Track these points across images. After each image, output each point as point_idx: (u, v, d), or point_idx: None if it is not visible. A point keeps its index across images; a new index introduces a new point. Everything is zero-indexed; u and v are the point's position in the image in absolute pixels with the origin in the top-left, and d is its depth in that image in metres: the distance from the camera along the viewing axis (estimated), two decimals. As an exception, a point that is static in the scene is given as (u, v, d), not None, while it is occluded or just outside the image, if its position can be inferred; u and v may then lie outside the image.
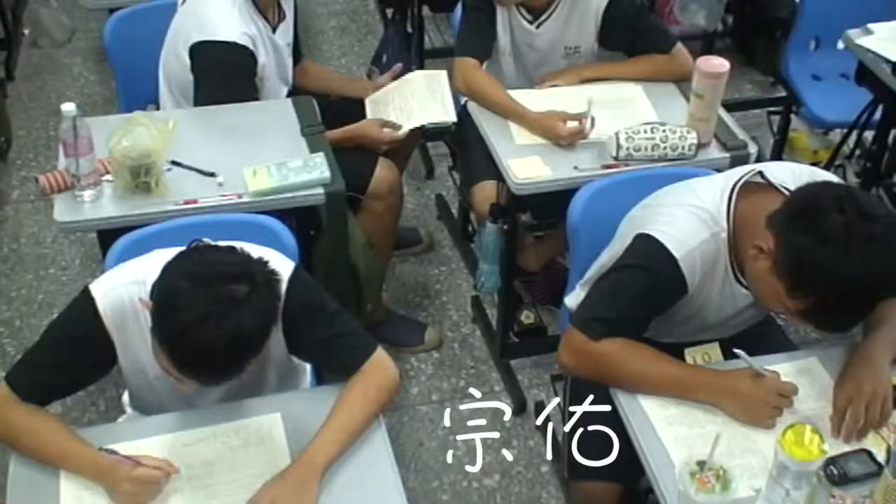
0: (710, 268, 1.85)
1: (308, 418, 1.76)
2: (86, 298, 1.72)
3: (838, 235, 1.59)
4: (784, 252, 1.67)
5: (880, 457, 1.68)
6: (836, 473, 1.65)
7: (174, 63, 2.62)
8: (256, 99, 2.62)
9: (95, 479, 1.66)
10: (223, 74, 2.54)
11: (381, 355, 1.84)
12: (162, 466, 1.64)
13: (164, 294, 1.56)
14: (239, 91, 2.56)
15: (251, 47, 2.54)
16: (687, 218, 1.84)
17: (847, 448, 1.72)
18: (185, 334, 1.51)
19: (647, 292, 1.85)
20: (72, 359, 1.73)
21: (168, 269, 1.59)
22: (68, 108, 2.16)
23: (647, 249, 1.84)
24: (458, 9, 2.91)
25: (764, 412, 1.75)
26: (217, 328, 1.50)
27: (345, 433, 1.73)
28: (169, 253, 1.65)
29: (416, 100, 2.82)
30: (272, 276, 1.61)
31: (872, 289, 1.63)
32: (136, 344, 1.74)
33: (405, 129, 2.75)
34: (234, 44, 2.50)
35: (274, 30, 2.67)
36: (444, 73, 2.84)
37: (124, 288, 1.72)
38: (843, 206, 1.62)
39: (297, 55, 2.90)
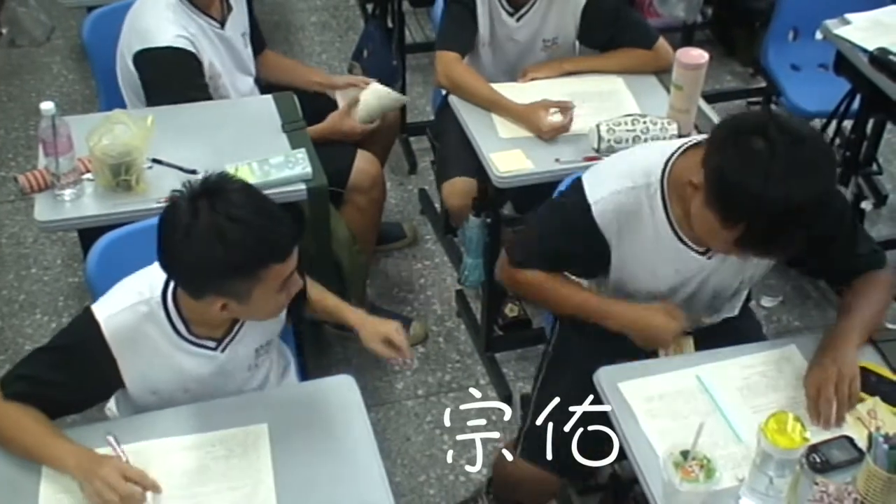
0: (630, 219, 1.87)
1: (295, 429, 1.75)
2: (90, 322, 1.69)
3: (762, 158, 1.59)
4: (710, 178, 1.68)
5: (861, 443, 1.70)
6: (819, 461, 1.66)
7: (126, 72, 2.62)
8: (208, 97, 2.59)
9: (74, 468, 1.62)
10: (165, 80, 2.52)
11: None
12: (145, 484, 1.60)
13: (203, 234, 1.56)
14: (185, 93, 2.53)
15: (190, 48, 2.52)
16: (614, 168, 1.92)
17: (829, 435, 1.73)
18: (245, 220, 1.56)
19: (561, 227, 1.95)
20: (70, 381, 1.70)
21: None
22: (47, 106, 2.15)
23: (572, 190, 1.93)
24: (439, 3, 2.91)
25: (664, 342, 1.92)
26: (249, 199, 1.60)
27: None
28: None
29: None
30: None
31: (801, 212, 1.62)
32: (147, 364, 1.73)
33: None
34: (170, 48, 2.49)
35: (222, 24, 2.66)
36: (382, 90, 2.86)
37: (131, 310, 1.70)
38: (767, 129, 1.61)
39: (258, 44, 2.89)
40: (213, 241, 1.55)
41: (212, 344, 1.79)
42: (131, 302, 1.71)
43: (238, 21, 2.73)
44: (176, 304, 1.73)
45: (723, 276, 1.95)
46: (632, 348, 1.93)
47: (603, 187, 1.87)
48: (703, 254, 1.89)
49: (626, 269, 1.94)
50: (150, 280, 1.73)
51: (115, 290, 1.75)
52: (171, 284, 1.72)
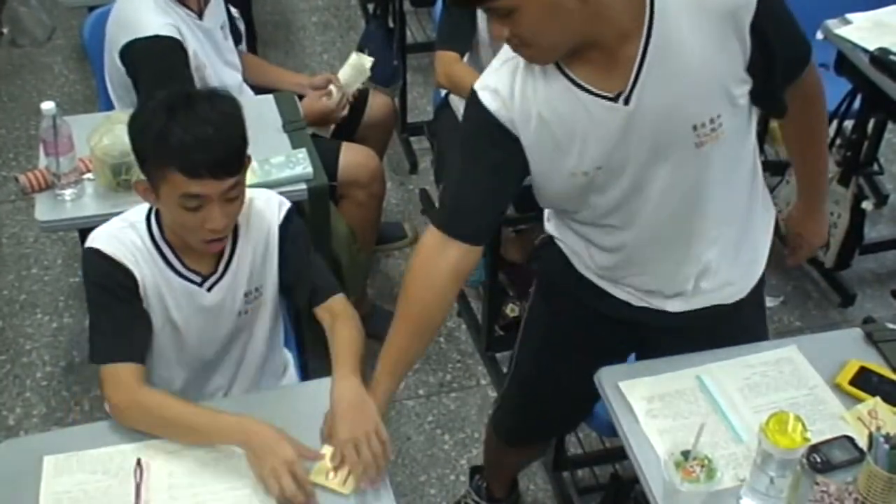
0: (519, 85, 1.55)
1: (296, 429, 1.71)
2: (93, 253, 1.75)
3: None
4: None
5: (862, 443, 1.69)
6: (820, 461, 1.66)
7: (113, 69, 2.62)
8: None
9: (244, 441, 1.64)
10: (156, 69, 2.50)
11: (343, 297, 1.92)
12: (306, 490, 1.58)
13: (141, 122, 1.69)
14: (176, 82, 2.49)
15: (177, 35, 2.51)
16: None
17: (830, 435, 1.73)
18: (172, 116, 1.63)
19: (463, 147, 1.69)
20: (129, 305, 1.76)
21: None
22: (48, 106, 2.16)
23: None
24: (440, 3, 2.91)
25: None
26: (197, 107, 1.66)
27: (358, 368, 1.76)
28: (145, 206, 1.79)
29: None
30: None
31: None
32: (145, 284, 1.77)
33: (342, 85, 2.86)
34: (158, 36, 2.48)
35: (200, 15, 2.65)
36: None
37: (121, 232, 1.77)
38: None
39: (239, 37, 2.89)
40: (153, 118, 1.66)
41: (197, 279, 1.82)
42: (119, 227, 1.78)
43: (216, 13, 2.73)
44: (161, 229, 1.78)
45: (661, 126, 1.52)
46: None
47: (484, 76, 1.61)
48: (613, 100, 1.51)
49: (543, 160, 1.58)
50: (134, 210, 1.82)
51: (102, 225, 1.81)
52: (153, 210, 1.78)
